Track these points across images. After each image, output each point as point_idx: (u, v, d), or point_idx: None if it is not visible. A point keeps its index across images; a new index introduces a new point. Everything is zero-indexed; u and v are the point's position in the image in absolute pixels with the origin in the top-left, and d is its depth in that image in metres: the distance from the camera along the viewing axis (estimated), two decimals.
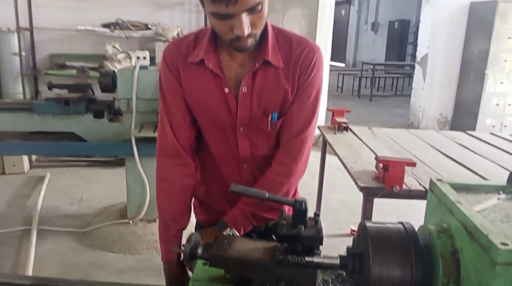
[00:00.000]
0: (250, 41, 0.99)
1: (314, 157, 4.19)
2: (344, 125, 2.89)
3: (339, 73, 10.68)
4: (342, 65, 15.61)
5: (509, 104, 5.77)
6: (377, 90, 10.62)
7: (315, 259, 0.81)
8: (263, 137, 1.14)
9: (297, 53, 1.08)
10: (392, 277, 0.74)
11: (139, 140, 2.73)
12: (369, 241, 0.76)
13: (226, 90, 1.08)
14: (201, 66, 1.07)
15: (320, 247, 0.86)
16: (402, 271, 0.73)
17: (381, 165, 1.89)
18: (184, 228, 1.19)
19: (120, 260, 2.72)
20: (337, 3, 6.78)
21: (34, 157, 4.29)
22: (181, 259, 1.15)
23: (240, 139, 1.13)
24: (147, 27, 4.53)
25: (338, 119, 2.94)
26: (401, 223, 0.81)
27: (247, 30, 0.94)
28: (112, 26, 4.43)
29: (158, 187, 1.18)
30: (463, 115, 6.07)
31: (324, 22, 5.30)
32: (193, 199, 1.26)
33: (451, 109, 6.28)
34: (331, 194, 3.87)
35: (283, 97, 1.10)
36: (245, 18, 0.92)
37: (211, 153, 1.18)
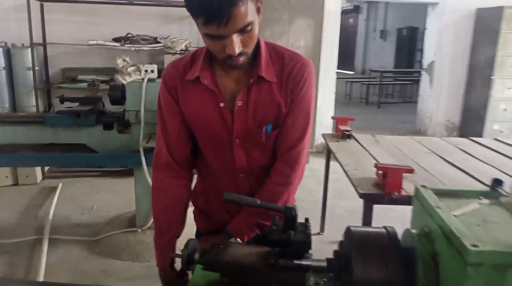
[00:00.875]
0: (242, 59, 1.04)
1: (320, 164, 4.15)
2: (347, 133, 2.93)
3: (347, 81, 10.71)
4: (352, 72, 15.64)
5: None
6: (386, 97, 10.63)
7: (304, 262, 0.86)
8: (258, 148, 1.19)
9: (289, 68, 1.14)
10: (375, 278, 0.78)
11: (147, 150, 2.79)
12: (353, 244, 0.80)
13: (222, 104, 1.13)
14: (198, 83, 1.13)
15: (310, 251, 0.91)
16: (384, 273, 0.77)
17: (380, 172, 1.93)
18: (178, 236, 1.24)
19: (128, 268, 2.78)
20: (345, 12, 6.83)
21: (46, 167, 4.41)
22: (174, 264, 1.21)
23: (236, 150, 1.18)
24: (156, 41, 4.64)
25: (342, 127, 2.99)
26: (385, 227, 0.85)
27: (237, 50, 0.99)
28: (122, 41, 4.55)
29: (153, 197, 1.24)
30: (471, 121, 6.05)
31: (330, 31, 5.36)
32: (193, 208, 1.31)
33: (459, 115, 6.26)
34: (338, 201, 3.89)
35: (277, 110, 1.15)
36: (236, 39, 0.98)
37: (209, 165, 1.24)
